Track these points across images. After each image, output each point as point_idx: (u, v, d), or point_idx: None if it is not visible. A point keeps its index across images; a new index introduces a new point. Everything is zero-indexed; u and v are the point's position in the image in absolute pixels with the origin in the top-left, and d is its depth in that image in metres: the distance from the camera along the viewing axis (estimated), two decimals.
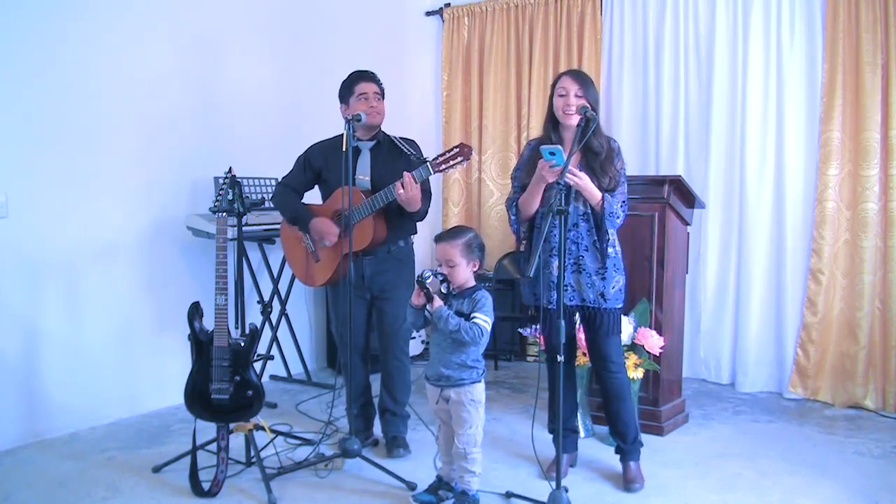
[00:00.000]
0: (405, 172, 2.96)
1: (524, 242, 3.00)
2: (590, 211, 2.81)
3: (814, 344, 4.07)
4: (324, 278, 3.30)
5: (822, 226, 4.01)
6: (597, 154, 2.80)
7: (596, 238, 2.82)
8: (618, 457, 3.01)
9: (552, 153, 2.61)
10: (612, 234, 2.86)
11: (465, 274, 2.65)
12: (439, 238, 2.71)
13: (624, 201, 2.84)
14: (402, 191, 2.96)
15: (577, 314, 2.92)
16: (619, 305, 2.89)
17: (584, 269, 2.84)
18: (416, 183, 2.97)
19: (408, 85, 5.34)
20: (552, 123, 2.90)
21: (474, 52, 5.33)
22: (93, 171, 3.62)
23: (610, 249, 2.84)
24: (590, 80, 2.87)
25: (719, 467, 3.12)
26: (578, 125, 2.72)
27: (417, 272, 2.78)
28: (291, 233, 3.39)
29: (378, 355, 3.37)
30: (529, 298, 2.95)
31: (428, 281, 2.60)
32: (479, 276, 2.74)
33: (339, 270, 3.18)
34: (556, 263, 2.71)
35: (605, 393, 2.99)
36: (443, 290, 2.64)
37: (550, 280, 2.77)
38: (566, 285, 2.82)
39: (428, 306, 2.62)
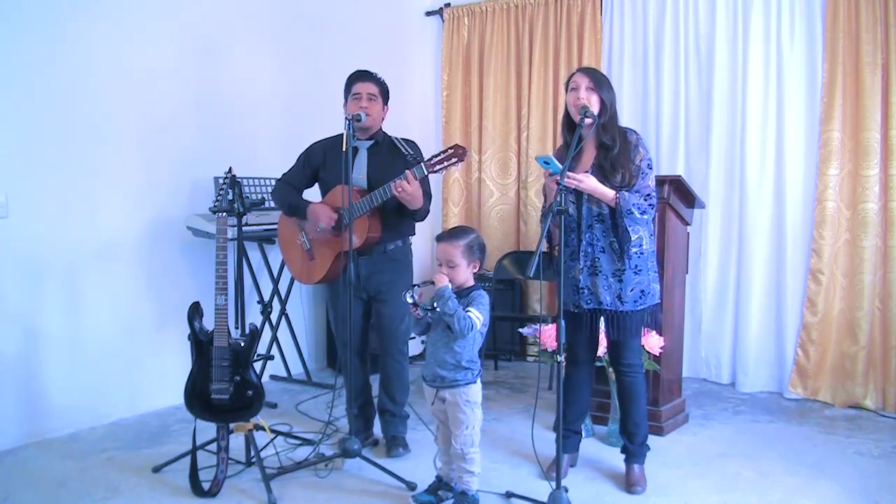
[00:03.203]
0: (407, 171, 2.96)
1: (556, 248, 2.99)
2: (606, 211, 2.76)
3: (814, 344, 4.07)
4: (319, 275, 3.30)
5: (822, 226, 4.01)
6: (607, 150, 2.77)
7: (614, 239, 2.76)
8: (622, 457, 2.99)
9: (546, 162, 2.64)
10: (640, 233, 2.76)
11: (464, 275, 2.65)
12: (441, 238, 2.70)
13: (648, 195, 2.74)
14: (402, 186, 2.94)
15: (602, 317, 2.86)
16: (641, 308, 2.82)
17: (600, 272, 2.79)
18: (415, 179, 2.96)
19: (408, 85, 5.33)
20: (567, 123, 2.88)
21: (474, 52, 5.33)
22: (93, 171, 3.63)
23: (634, 249, 2.75)
24: (604, 77, 2.85)
25: (719, 467, 3.12)
26: (579, 125, 2.71)
27: (415, 275, 2.77)
28: (288, 231, 3.39)
29: (378, 355, 3.37)
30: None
31: (416, 298, 2.60)
32: (479, 277, 2.75)
33: (335, 268, 3.19)
34: (576, 267, 2.70)
35: (619, 391, 3.01)
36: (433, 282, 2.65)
37: (573, 284, 2.78)
38: (583, 288, 2.81)
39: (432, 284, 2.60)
